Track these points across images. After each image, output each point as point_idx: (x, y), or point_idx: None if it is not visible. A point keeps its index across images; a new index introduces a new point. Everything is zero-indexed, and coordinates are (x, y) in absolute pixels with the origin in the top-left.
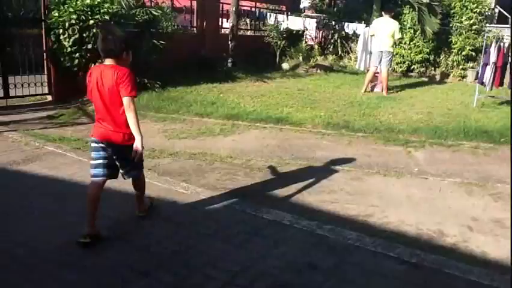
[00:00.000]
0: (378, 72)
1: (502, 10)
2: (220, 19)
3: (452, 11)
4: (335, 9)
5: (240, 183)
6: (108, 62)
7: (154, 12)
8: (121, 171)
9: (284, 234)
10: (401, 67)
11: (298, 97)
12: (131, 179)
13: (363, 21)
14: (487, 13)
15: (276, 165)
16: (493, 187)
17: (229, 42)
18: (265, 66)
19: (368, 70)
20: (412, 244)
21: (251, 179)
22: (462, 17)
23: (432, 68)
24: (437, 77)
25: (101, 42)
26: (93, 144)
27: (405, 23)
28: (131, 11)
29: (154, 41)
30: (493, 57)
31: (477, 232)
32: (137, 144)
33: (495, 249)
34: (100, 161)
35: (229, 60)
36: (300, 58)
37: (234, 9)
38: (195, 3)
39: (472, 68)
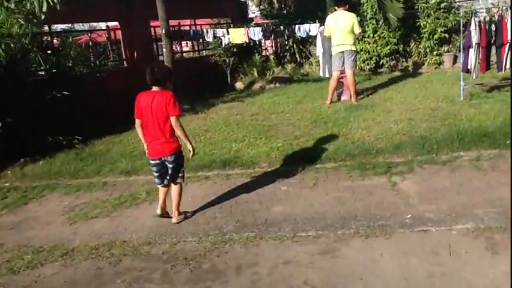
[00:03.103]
0: (343, 77)
1: None
2: (155, 45)
3: None
4: (285, 12)
5: None
6: (155, 88)
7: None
8: (168, 177)
9: None
10: (368, 64)
11: (251, 125)
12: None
13: (316, 20)
14: None
15: (211, 246)
16: None
17: None
18: (216, 89)
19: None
20: None
21: (170, 285)
22: None
23: (404, 60)
24: (411, 69)
25: (150, 73)
26: (151, 161)
27: (365, 14)
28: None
29: (55, 92)
30: (475, 38)
31: None
32: (189, 148)
33: None
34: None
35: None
36: (255, 73)
37: (164, 31)
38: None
39: (448, 51)
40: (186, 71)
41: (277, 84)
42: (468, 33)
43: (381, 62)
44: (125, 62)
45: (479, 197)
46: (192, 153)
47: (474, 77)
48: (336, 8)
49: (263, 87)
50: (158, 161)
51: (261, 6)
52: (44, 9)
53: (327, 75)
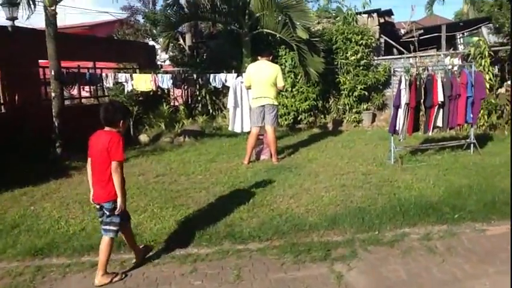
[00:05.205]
0: (262, 134)
1: (389, 39)
2: (44, 88)
3: (334, 47)
4: (198, 59)
5: None
6: (107, 128)
7: None
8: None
9: None
10: (286, 119)
11: (156, 189)
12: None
13: (233, 70)
14: (373, 44)
15: None
16: None
17: (54, 120)
18: None
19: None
20: None
21: None
22: (347, 52)
23: (322, 116)
24: (330, 126)
25: (103, 111)
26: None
27: (283, 67)
28: None
29: None
30: (404, 98)
31: None
32: (119, 203)
33: None
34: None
35: (57, 144)
36: (162, 125)
37: (53, 73)
38: None
39: (367, 109)
40: (79, 119)
41: (187, 139)
42: (398, 92)
43: (299, 118)
44: (2, 107)
45: None
46: (118, 208)
47: (401, 138)
48: (259, 57)
49: (171, 141)
50: (98, 206)
51: (171, 53)
52: None
53: (237, 130)
